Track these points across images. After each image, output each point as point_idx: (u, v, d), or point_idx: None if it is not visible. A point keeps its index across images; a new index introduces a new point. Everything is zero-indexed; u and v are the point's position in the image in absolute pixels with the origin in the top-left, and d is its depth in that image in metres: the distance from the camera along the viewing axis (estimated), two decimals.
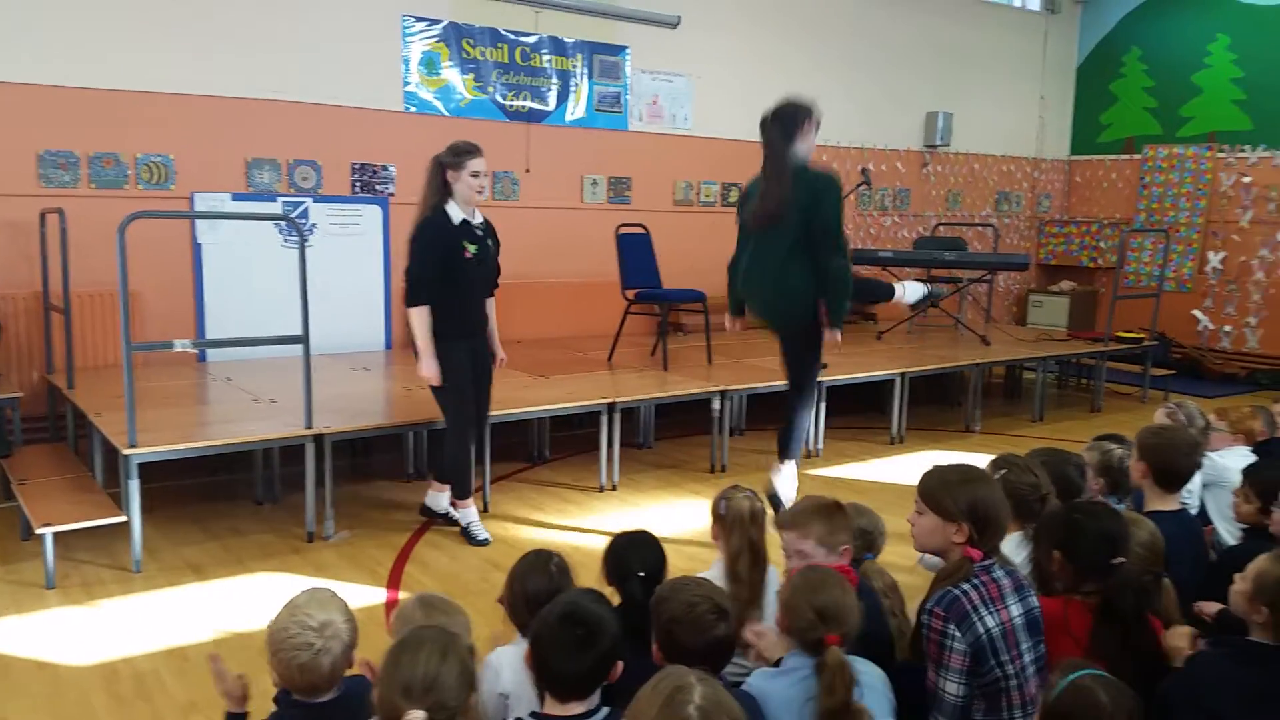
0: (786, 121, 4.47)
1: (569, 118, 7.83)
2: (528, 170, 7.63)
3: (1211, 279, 10.15)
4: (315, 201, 6.71)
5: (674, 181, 8.46)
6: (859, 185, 7.42)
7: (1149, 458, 3.07)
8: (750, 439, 6.86)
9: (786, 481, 4.74)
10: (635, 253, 6.81)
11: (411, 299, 4.42)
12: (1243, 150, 9.92)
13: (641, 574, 2.48)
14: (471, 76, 7.32)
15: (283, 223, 6.47)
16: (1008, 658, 2.18)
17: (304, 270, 4.42)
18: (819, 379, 5.47)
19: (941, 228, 10.08)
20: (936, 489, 2.38)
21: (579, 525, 4.87)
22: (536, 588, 2.34)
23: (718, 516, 2.84)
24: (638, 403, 5.80)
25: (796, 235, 4.37)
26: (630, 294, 6.65)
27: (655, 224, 7.19)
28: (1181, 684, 2.15)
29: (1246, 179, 9.82)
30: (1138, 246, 10.78)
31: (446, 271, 4.42)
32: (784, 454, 4.82)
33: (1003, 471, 2.85)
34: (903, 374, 6.78)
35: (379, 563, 4.38)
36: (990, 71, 10.56)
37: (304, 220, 6.64)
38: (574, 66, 7.79)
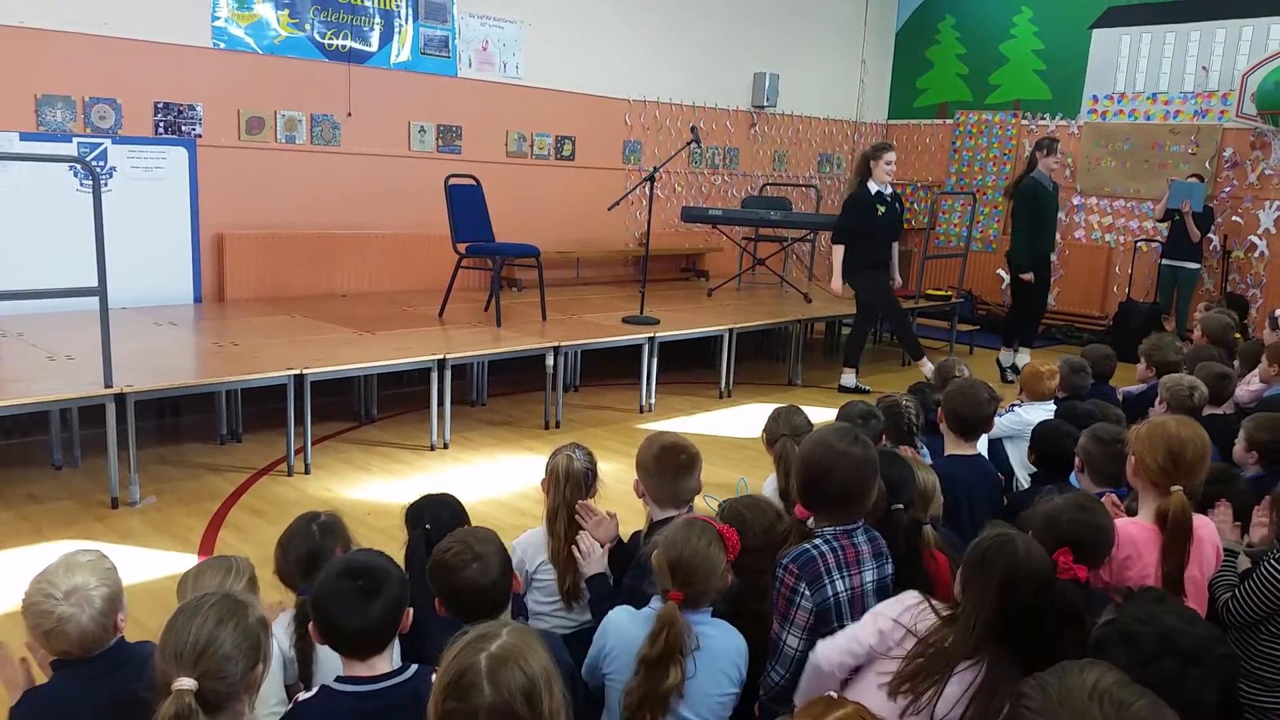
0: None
1: (394, 60, 7.52)
2: (349, 114, 7.30)
3: None
4: (115, 143, 6.21)
5: (506, 132, 8.29)
6: (689, 143, 7.52)
7: (949, 407, 3.30)
8: (585, 395, 6.90)
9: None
10: (467, 205, 6.65)
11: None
12: (1043, 118, 10.64)
13: (427, 526, 2.52)
14: (286, 12, 6.90)
15: (75, 165, 5.95)
16: (851, 621, 2.19)
17: (99, 216, 4.08)
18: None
19: (768, 187, 10.35)
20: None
21: (408, 485, 4.77)
22: (299, 551, 2.33)
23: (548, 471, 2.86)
24: (470, 359, 5.71)
25: None
26: (461, 248, 6.50)
27: (487, 175, 7.05)
28: None
29: (1060, 146, 10.52)
30: (948, 208, 11.42)
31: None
32: None
33: None
34: (731, 330, 6.96)
35: (190, 529, 4.16)
36: (815, 34, 10.84)
37: (102, 163, 6.13)
38: (398, 6, 7.47)
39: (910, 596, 2.07)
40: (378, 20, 7.37)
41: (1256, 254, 9.33)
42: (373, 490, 4.74)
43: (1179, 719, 1.29)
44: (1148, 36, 9.90)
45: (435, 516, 2.62)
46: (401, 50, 7.55)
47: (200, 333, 5.80)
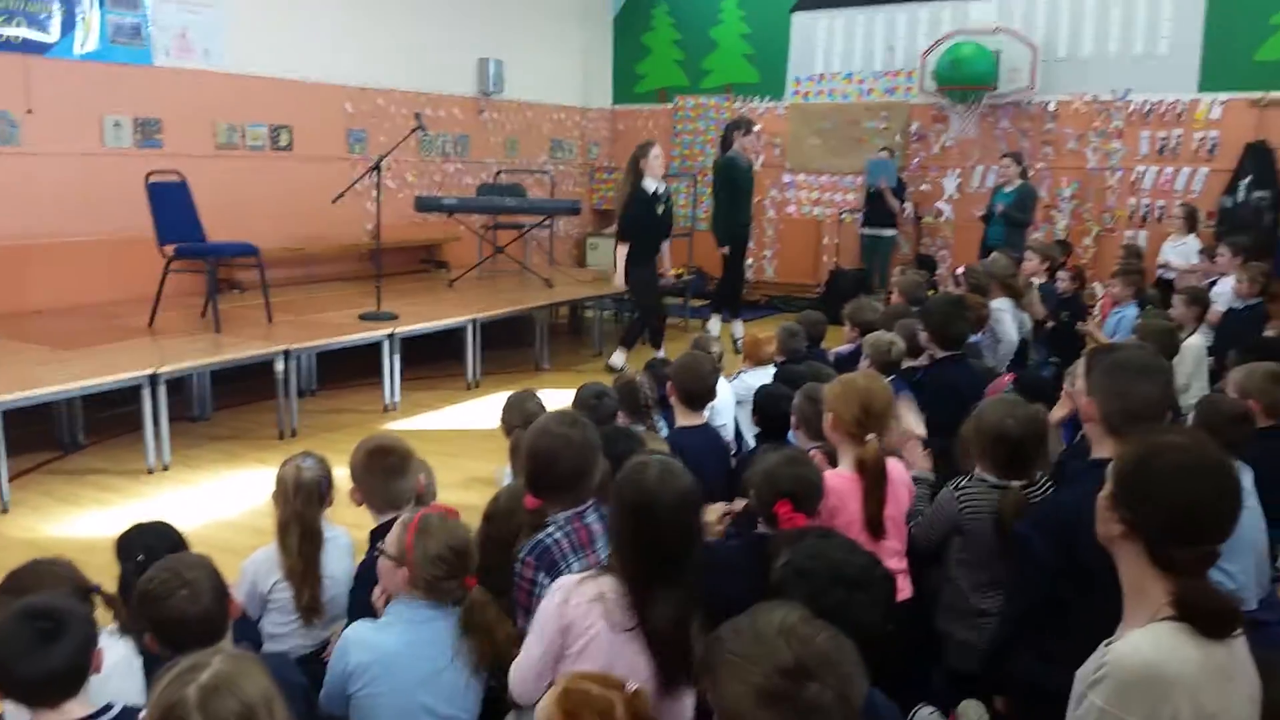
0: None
1: (78, 50, 6.84)
2: (29, 111, 6.57)
3: None
4: None
5: (214, 123, 7.76)
6: (414, 130, 7.37)
7: (676, 381, 3.46)
8: (323, 399, 6.64)
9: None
10: (171, 203, 6.18)
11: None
12: (753, 100, 11.29)
13: (140, 558, 2.37)
14: None
15: None
16: None
17: None
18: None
19: (503, 174, 10.33)
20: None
21: (124, 514, 4.38)
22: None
23: None
24: (186, 371, 5.33)
25: None
26: (169, 250, 6.03)
27: (195, 170, 6.58)
28: (704, 576, 2.45)
29: (757, 127, 11.17)
30: (674, 190, 11.81)
31: None
32: None
33: None
34: (474, 320, 6.92)
35: None
36: (534, 21, 10.90)
37: None
38: None
39: (563, 582, 2.12)
40: (57, 7, 6.67)
41: (943, 219, 10.41)
42: (82, 524, 4.33)
43: (853, 641, 1.44)
44: (841, 20, 10.72)
45: (149, 547, 2.45)
46: (87, 39, 6.88)
47: None
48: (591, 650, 2.00)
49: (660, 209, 7.40)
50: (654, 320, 7.75)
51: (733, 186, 8.25)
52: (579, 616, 2.02)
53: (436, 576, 2.15)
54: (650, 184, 7.31)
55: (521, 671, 2.10)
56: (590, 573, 2.07)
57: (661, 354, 7.15)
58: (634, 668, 1.96)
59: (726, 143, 8.30)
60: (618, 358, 7.62)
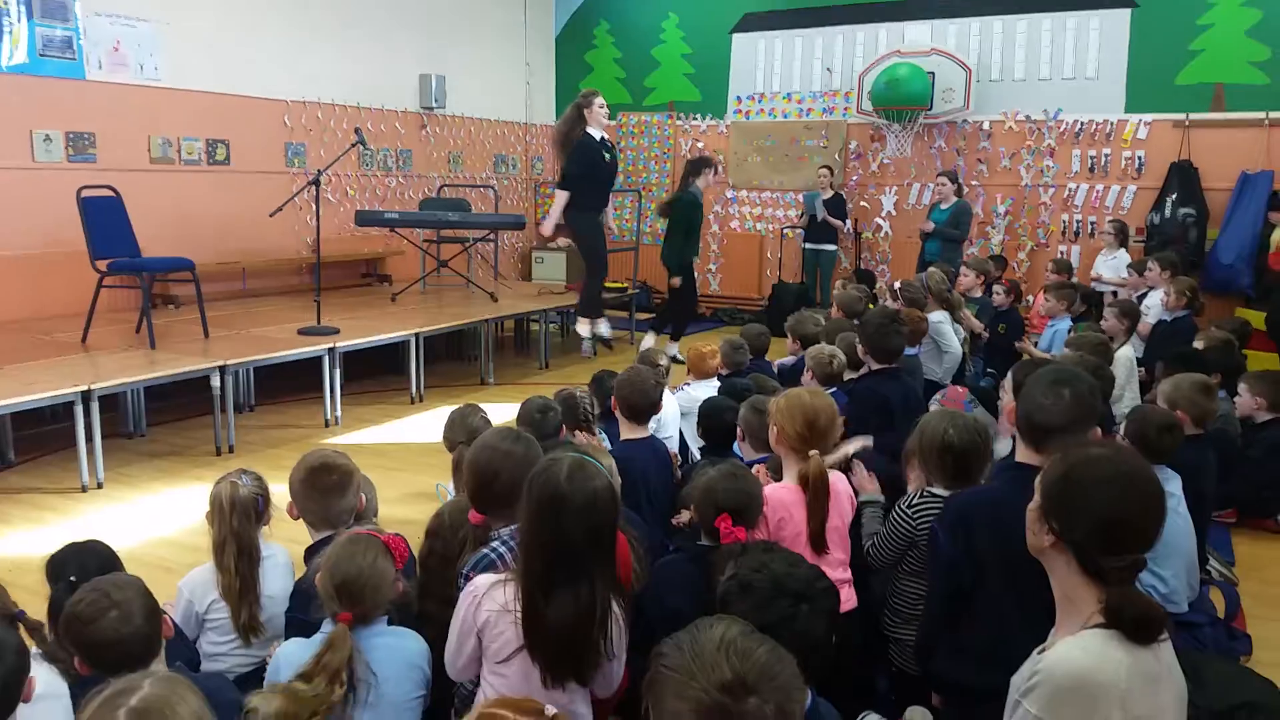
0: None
1: (6, 63, 6.66)
2: None
3: None
4: None
5: (149, 137, 7.61)
6: (354, 144, 7.31)
7: (619, 396, 3.47)
8: (262, 414, 6.52)
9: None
10: (105, 218, 6.03)
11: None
12: (695, 119, 11.39)
13: (72, 579, 2.30)
14: None
15: None
16: None
17: None
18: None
19: (446, 189, 10.28)
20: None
21: (56, 534, 4.26)
22: None
23: None
24: (121, 387, 5.19)
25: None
26: (102, 265, 5.90)
27: (129, 185, 6.44)
28: (649, 588, 2.47)
29: (700, 144, 11.29)
30: (619, 205, 11.90)
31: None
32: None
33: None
34: (417, 334, 6.85)
35: None
36: (478, 37, 10.90)
37: None
38: (6, 4, 6.62)
39: (475, 584, 2.11)
40: None
41: (881, 234, 10.59)
42: (13, 543, 4.20)
43: (796, 653, 1.45)
44: (779, 41, 10.88)
45: (81, 567, 2.39)
46: (15, 52, 6.71)
47: None
48: (505, 653, 2.02)
49: (607, 156, 7.27)
50: (601, 277, 7.67)
51: (690, 223, 8.37)
52: (487, 622, 2.03)
53: (324, 600, 2.14)
54: (595, 132, 7.16)
55: (449, 659, 2.14)
56: (503, 577, 2.07)
57: (584, 329, 7.59)
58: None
59: (688, 179, 8.34)
60: (598, 328, 7.66)
